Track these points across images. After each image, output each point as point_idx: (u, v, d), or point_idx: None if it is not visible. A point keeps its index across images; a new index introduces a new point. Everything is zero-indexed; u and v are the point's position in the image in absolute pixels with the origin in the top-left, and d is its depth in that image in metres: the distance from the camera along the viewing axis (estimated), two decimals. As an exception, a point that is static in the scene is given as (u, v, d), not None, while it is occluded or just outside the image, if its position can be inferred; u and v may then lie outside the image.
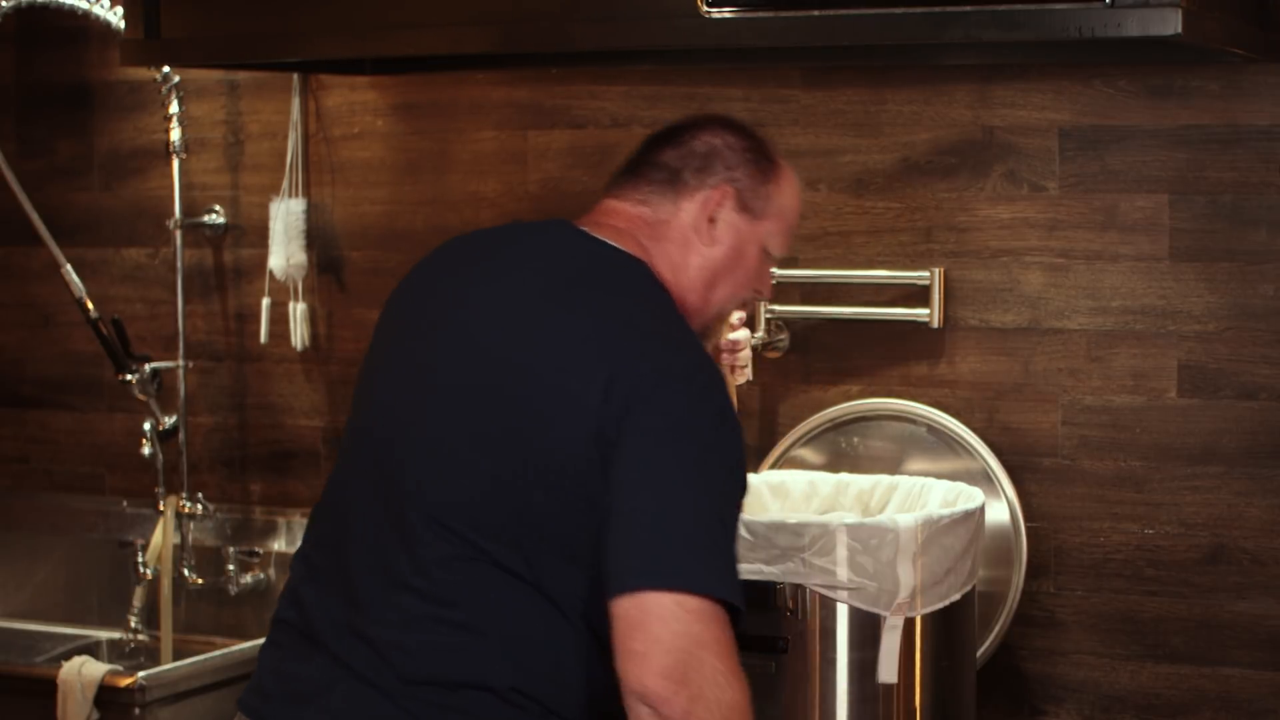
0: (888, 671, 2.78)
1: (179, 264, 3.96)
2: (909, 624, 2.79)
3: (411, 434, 2.39)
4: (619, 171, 2.55)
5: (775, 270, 3.43)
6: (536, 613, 2.32)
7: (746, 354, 2.91)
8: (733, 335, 2.92)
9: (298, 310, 3.86)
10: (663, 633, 2.18)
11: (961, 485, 3.04)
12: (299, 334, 3.87)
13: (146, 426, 3.93)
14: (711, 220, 2.49)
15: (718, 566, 2.24)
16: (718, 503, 2.28)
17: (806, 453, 3.43)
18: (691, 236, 2.48)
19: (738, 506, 2.32)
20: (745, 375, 2.98)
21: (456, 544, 2.32)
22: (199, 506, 3.95)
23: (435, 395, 2.39)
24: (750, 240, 2.52)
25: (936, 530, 2.78)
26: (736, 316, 2.87)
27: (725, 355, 2.86)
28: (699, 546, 2.23)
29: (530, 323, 2.36)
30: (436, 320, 2.45)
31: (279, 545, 3.93)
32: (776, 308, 3.45)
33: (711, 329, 2.57)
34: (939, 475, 3.19)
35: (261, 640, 2.56)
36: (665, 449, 2.26)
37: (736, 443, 2.34)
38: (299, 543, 2.54)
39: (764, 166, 2.53)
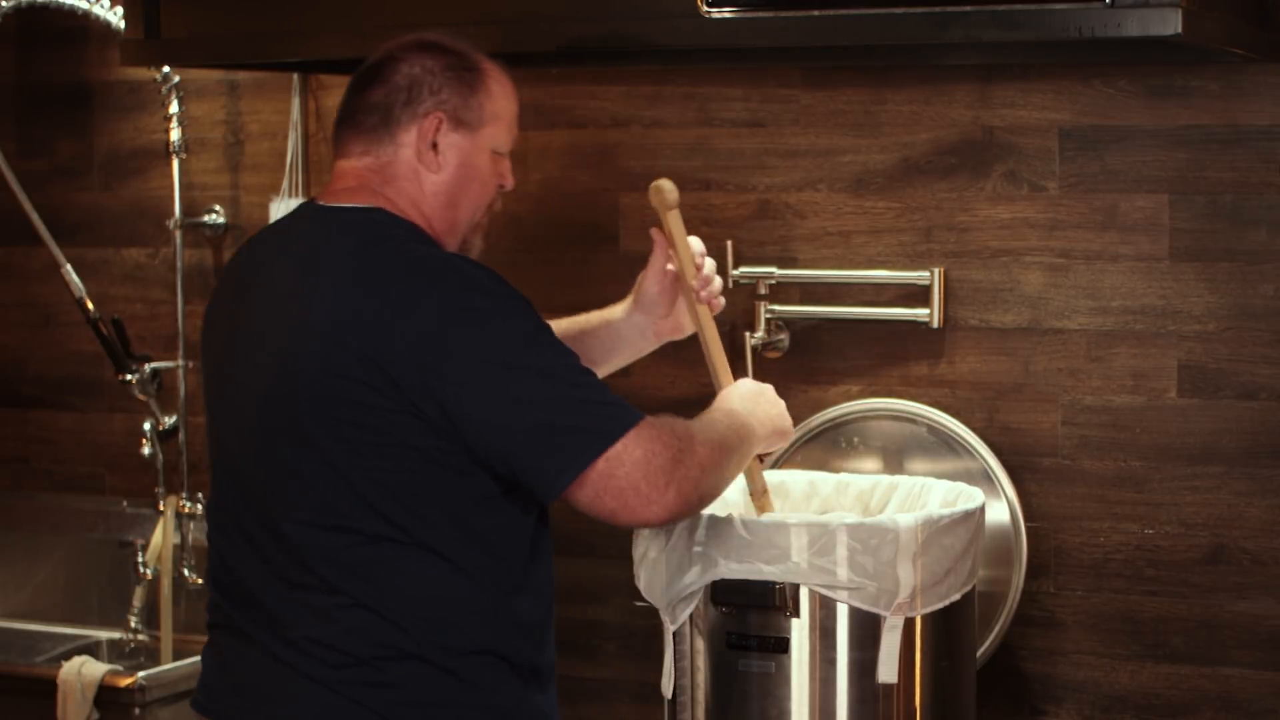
0: (888, 671, 2.77)
1: (179, 264, 3.96)
2: (909, 624, 2.79)
3: (257, 454, 2.53)
4: (337, 122, 2.63)
5: (774, 270, 3.45)
6: (424, 569, 2.46)
7: (717, 284, 2.87)
8: (705, 269, 2.85)
9: (298, 310, 3.86)
10: (621, 484, 2.42)
11: (961, 485, 3.04)
12: (299, 334, 3.87)
13: (146, 426, 3.93)
14: (434, 147, 2.57)
15: (600, 413, 2.43)
16: (548, 365, 2.44)
17: (806, 453, 3.42)
18: (418, 167, 2.58)
19: (555, 347, 2.47)
20: (722, 303, 2.95)
21: (331, 536, 2.46)
22: (199, 506, 3.95)
23: (260, 410, 2.52)
24: (475, 152, 2.60)
25: (936, 530, 2.78)
26: (697, 247, 2.83)
27: (701, 292, 2.83)
28: (576, 408, 2.42)
29: (298, 316, 2.48)
30: (234, 341, 2.59)
31: (279, 545, 3.92)
32: (776, 308, 3.45)
33: (470, 242, 2.64)
34: (939, 475, 3.19)
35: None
36: (476, 368, 2.40)
37: (510, 306, 2.45)
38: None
39: (468, 79, 2.59)
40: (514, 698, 2.55)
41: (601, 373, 2.88)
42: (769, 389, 2.81)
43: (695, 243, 2.84)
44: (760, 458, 2.84)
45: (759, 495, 2.91)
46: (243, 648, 2.55)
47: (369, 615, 2.46)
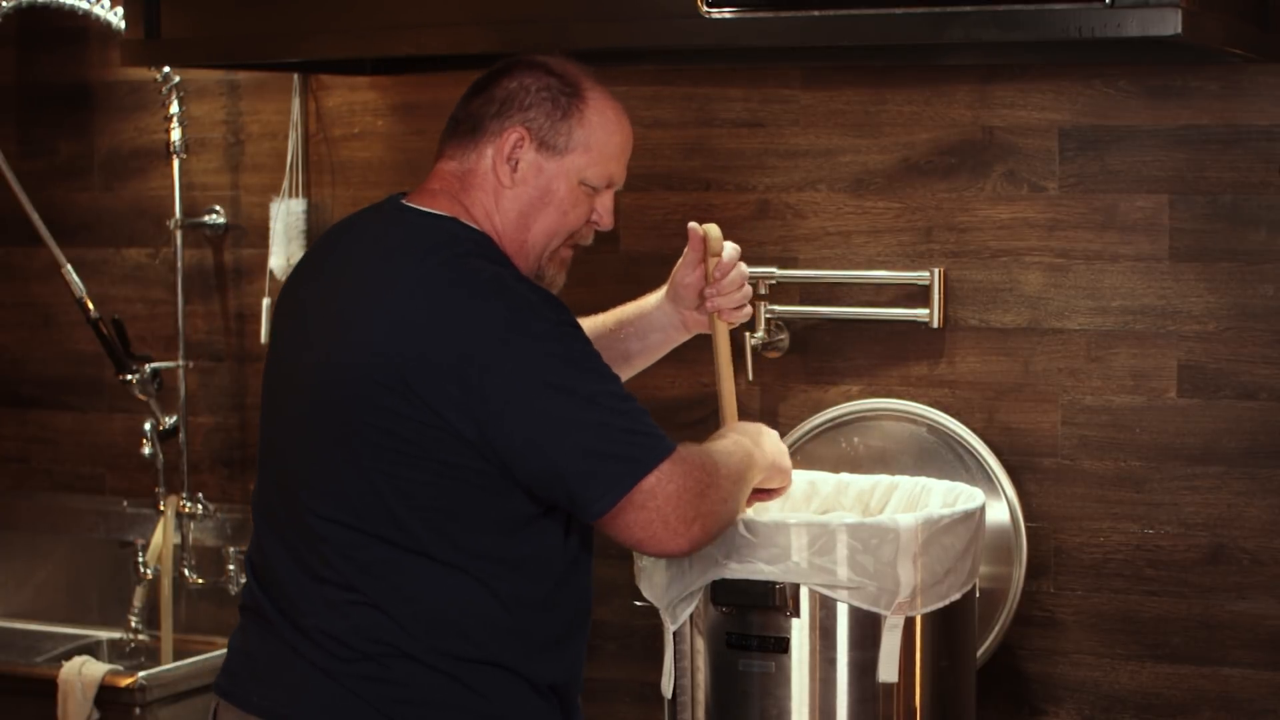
0: (888, 671, 2.78)
1: (179, 264, 3.96)
2: (909, 624, 2.79)
3: (295, 441, 2.56)
4: (445, 129, 2.65)
5: (774, 270, 3.44)
6: (434, 578, 2.49)
7: (744, 292, 2.86)
8: (724, 280, 2.85)
9: (298, 310, 3.86)
10: (651, 516, 2.43)
11: (961, 485, 3.04)
12: (299, 334, 3.87)
13: (147, 426, 3.93)
14: (512, 162, 2.57)
15: (639, 442, 2.44)
16: (591, 390, 2.44)
17: (806, 453, 3.42)
18: (495, 181, 2.58)
19: (600, 372, 2.47)
20: (742, 317, 2.92)
21: (348, 534, 2.49)
22: (199, 506, 3.95)
23: (302, 401, 2.54)
24: (557, 177, 2.59)
25: (936, 530, 2.78)
26: (728, 254, 2.84)
27: (710, 300, 2.83)
28: (617, 436, 2.43)
29: (350, 314, 2.51)
30: (293, 326, 2.62)
31: (279, 545, 3.92)
32: (776, 308, 3.45)
33: (544, 269, 2.64)
34: (939, 475, 3.19)
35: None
36: (519, 389, 2.41)
37: (558, 331, 2.46)
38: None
39: (563, 103, 2.59)
40: (526, 711, 2.56)
41: (639, 363, 2.94)
42: (773, 431, 2.83)
43: (729, 249, 2.85)
44: (765, 495, 2.84)
45: None
46: (264, 633, 2.58)
47: (377, 614, 2.48)
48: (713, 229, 2.85)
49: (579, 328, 2.51)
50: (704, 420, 3.43)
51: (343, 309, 2.52)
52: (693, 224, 2.86)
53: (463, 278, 2.47)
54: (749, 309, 2.90)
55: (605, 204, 2.65)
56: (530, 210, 2.59)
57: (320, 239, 2.74)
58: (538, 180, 2.58)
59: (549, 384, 2.42)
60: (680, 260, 2.89)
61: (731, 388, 2.88)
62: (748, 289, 2.88)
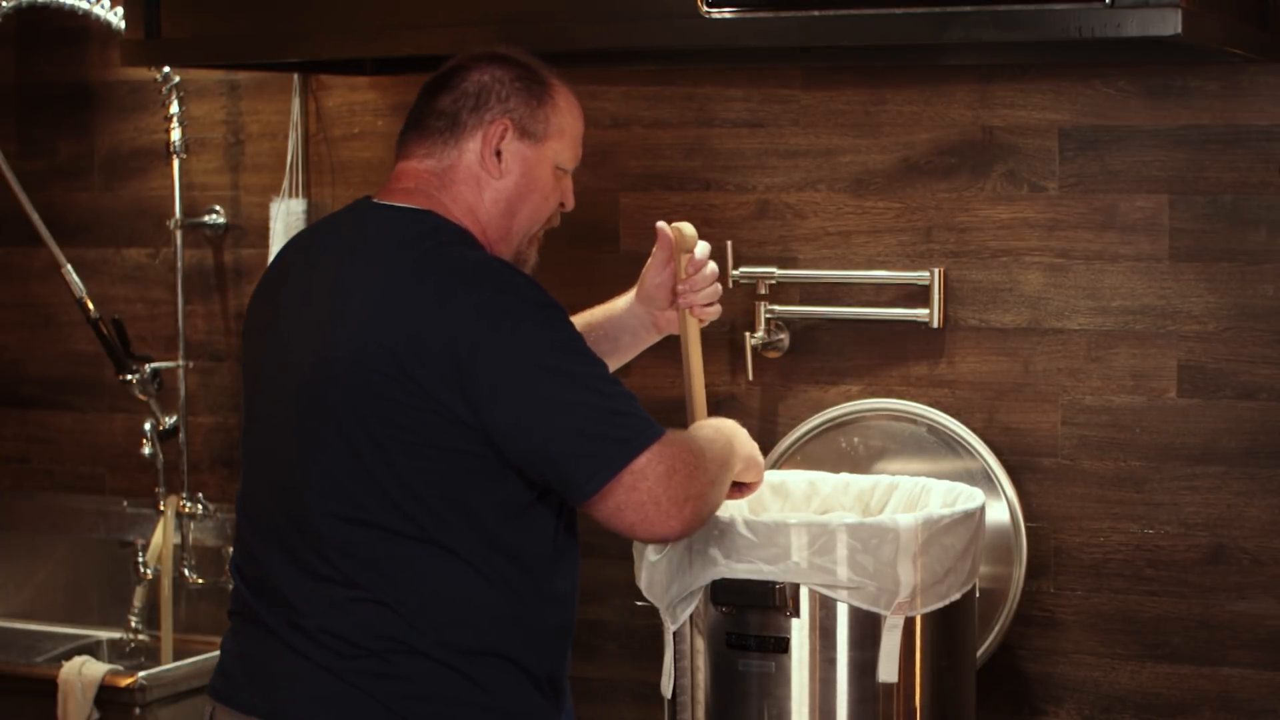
0: (888, 671, 2.78)
1: (179, 264, 3.96)
2: (909, 624, 2.79)
3: (291, 444, 2.55)
4: (404, 127, 2.67)
5: (774, 270, 3.45)
6: (440, 568, 2.49)
7: (716, 289, 2.87)
8: (697, 276, 2.84)
9: (298, 310, 3.86)
10: (643, 497, 2.44)
11: (961, 485, 3.04)
12: (299, 334, 3.87)
13: (147, 426, 3.93)
14: (497, 154, 2.60)
15: (628, 424, 2.45)
16: (579, 372, 2.46)
17: (806, 453, 3.42)
18: (480, 173, 2.61)
19: (587, 356, 2.50)
20: (713, 314, 2.93)
21: (352, 529, 2.49)
22: (199, 506, 3.95)
23: (294, 403, 2.54)
24: (538, 163, 2.63)
25: (936, 530, 2.78)
26: (700, 252, 2.85)
27: (683, 296, 2.85)
28: (606, 418, 2.44)
29: (339, 309, 2.51)
30: (273, 333, 2.62)
31: (279, 545, 3.92)
32: (776, 308, 3.45)
33: (525, 253, 2.67)
34: (939, 475, 3.19)
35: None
36: (509, 371, 2.43)
37: (546, 314, 2.48)
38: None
39: (536, 91, 2.63)
40: (528, 704, 2.56)
41: (610, 365, 2.90)
42: (742, 428, 2.82)
43: (702, 247, 2.87)
44: (740, 490, 2.83)
45: None
46: (262, 637, 2.58)
47: (382, 609, 2.48)
48: (686, 226, 2.87)
49: (565, 312, 2.52)
50: (704, 420, 3.43)
51: (331, 306, 2.52)
52: (661, 223, 2.87)
53: (451, 264, 2.49)
54: (719, 306, 2.91)
55: (569, 185, 2.70)
56: (516, 199, 2.62)
57: (285, 247, 2.75)
58: (522, 169, 2.62)
59: (541, 365, 2.44)
60: (650, 261, 2.89)
61: (702, 385, 2.88)
62: (718, 286, 2.89)
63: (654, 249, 2.88)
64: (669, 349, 2.99)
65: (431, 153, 2.62)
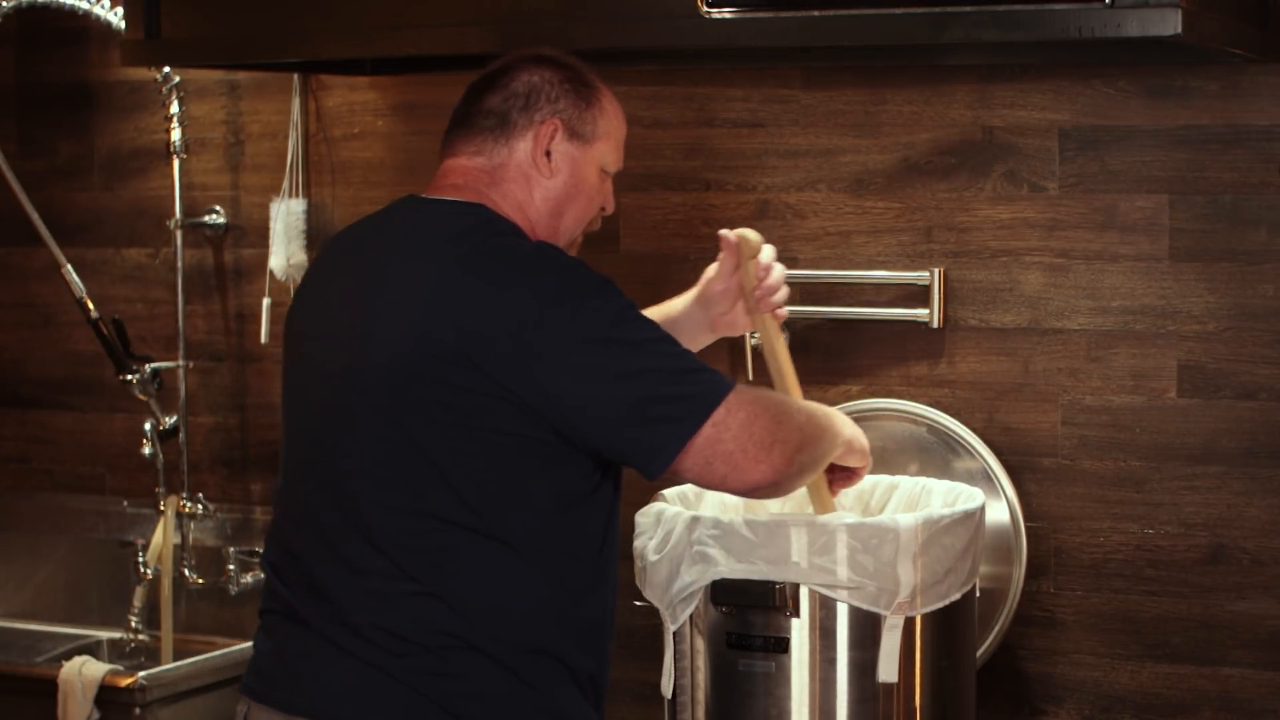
0: (888, 671, 2.78)
1: (179, 264, 3.96)
2: (909, 624, 2.79)
3: (345, 437, 2.52)
4: (450, 126, 2.67)
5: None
6: (496, 562, 2.47)
7: (783, 293, 2.94)
8: (770, 280, 2.92)
9: (298, 310, 3.86)
10: (729, 446, 2.46)
11: (961, 485, 3.04)
12: (299, 334, 3.87)
13: (147, 426, 3.93)
14: (547, 153, 2.62)
15: (698, 380, 2.47)
16: (643, 339, 2.48)
17: (806, 453, 3.42)
18: (530, 172, 2.62)
19: (646, 322, 2.51)
20: (786, 312, 3.01)
21: (404, 519, 2.47)
22: (199, 506, 3.95)
23: (349, 396, 2.52)
24: (585, 164, 2.65)
25: (936, 530, 2.78)
26: (766, 256, 2.90)
27: (761, 301, 2.90)
28: (676, 378, 2.46)
29: (396, 301, 2.50)
30: (314, 321, 2.61)
31: (279, 545, 3.92)
32: (777, 308, 3.46)
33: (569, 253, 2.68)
34: (939, 475, 3.19)
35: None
36: (575, 347, 2.44)
37: (601, 289, 2.50)
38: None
39: (584, 94, 2.65)
40: (571, 704, 2.56)
41: None
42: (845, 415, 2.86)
43: (767, 250, 2.91)
44: (845, 477, 2.86)
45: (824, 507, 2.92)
46: (301, 634, 2.54)
47: (436, 604, 2.46)
48: (749, 233, 2.91)
49: (616, 285, 2.53)
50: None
51: (383, 296, 2.51)
52: (724, 231, 2.91)
53: (508, 252, 2.50)
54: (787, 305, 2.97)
55: (610, 189, 2.72)
56: (564, 199, 2.64)
57: (331, 244, 2.75)
58: (571, 169, 2.63)
59: (606, 339, 2.45)
60: (715, 267, 2.93)
61: (796, 380, 2.93)
62: (786, 286, 2.94)
63: (721, 256, 2.91)
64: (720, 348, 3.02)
65: (481, 150, 2.62)
